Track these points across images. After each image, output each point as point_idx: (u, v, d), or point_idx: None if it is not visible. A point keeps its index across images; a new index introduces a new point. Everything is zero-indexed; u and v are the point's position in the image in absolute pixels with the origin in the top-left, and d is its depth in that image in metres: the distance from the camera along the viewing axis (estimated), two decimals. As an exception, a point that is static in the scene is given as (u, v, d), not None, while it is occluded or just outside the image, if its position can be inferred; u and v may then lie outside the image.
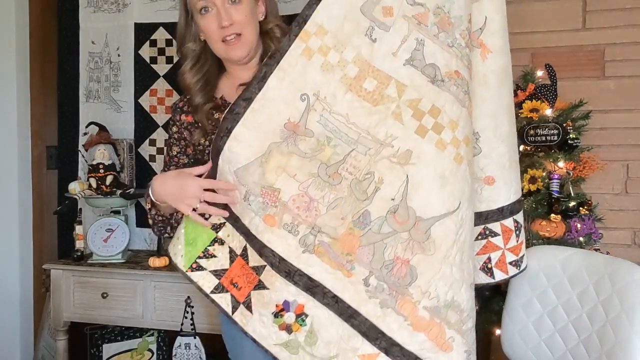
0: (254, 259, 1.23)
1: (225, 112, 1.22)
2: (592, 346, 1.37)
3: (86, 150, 2.38)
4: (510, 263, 1.40)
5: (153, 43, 2.56)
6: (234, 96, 1.34)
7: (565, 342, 1.46)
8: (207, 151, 1.37)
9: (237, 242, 1.24)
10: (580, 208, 1.85)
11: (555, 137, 1.85)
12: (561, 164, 1.86)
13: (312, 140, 1.19)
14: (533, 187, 1.85)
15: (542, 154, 1.89)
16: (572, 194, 1.87)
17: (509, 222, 1.38)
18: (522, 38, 2.14)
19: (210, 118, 1.36)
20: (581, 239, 1.83)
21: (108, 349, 2.40)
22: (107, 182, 2.28)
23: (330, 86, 1.19)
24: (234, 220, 1.25)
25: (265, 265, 1.21)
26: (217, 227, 1.25)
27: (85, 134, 2.50)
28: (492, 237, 1.37)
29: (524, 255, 1.45)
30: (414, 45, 1.19)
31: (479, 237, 1.37)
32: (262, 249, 1.21)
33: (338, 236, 1.18)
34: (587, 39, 2.08)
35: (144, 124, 2.58)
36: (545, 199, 1.84)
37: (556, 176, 1.83)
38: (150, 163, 2.58)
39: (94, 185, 2.28)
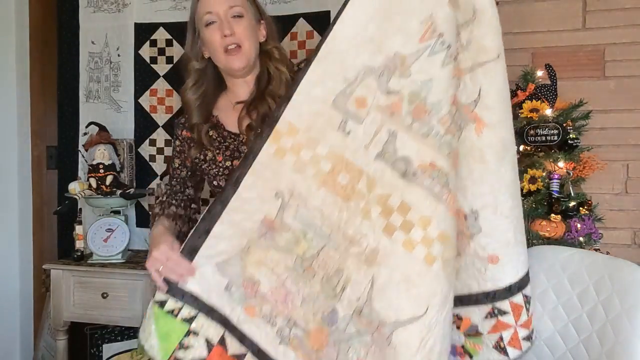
0: (234, 347, 1.22)
1: (203, 213, 1.24)
2: (592, 346, 1.37)
3: (86, 150, 2.38)
4: (524, 338, 1.34)
5: (153, 43, 2.57)
6: (229, 114, 1.44)
7: (565, 342, 1.46)
8: (200, 164, 1.47)
9: (213, 331, 1.22)
10: (580, 208, 1.84)
11: (555, 137, 1.85)
12: (561, 164, 1.86)
13: (288, 235, 1.18)
14: (533, 187, 1.85)
15: (542, 154, 1.89)
16: (572, 194, 1.87)
17: (518, 299, 1.32)
18: (522, 38, 2.14)
19: (205, 136, 1.45)
20: (581, 239, 1.83)
21: (108, 349, 2.40)
22: (107, 182, 2.28)
23: (305, 182, 1.17)
24: (208, 311, 1.23)
25: (246, 353, 1.21)
26: (189, 320, 1.23)
27: (85, 134, 2.49)
28: (502, 315, 1.31)
29: (534, 327, 1.38)
30: (386, 137, 1.15)
31: (488, 317, 1.32)
32: (242, 339, 1.22)
33: (310, 331, 1.17)
34: (587, 39, 2.08)
35: (144, 124, 2.58)
36: (545, 199, 1.84)
37: (556, 176, 1.83)
38: (150, 163, 2.58)
39: (94, 185, 2.28)
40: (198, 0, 1.40)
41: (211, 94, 1.48)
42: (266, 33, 1.46)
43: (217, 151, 1.44)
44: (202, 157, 1.46)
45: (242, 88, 1.45)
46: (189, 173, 1.52)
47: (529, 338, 1.36)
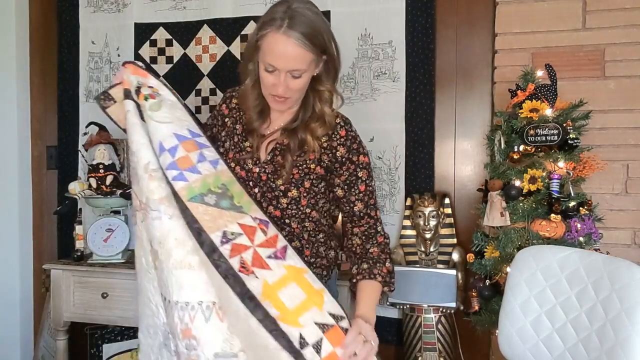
0: None
1: None
2: (592, 345, 1.37)
3: (86, 150, 2.38)
4: (268, 257, 1.29)
5: (153, 43, 2.57)
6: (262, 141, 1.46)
7: (563, 342, 1.46)
8: (218, 146, 1.50)
9: None
10: (580, 208, 1.84)
11: (555, 137, 1.85)
12: (561, 164, 1.86)
13: None
14: (533, 187, 1.85)
15: (542, 154, 1.89)
16: (572, 194, 1.86)
17: (247, 220, 1.33)
18: (522, 38, 2.14)
19: (240, 138, 1.48)
20: (581, 239, 1.82)
21: (108, 349, 2.40)
22: (107, 182, 2.28)
23: None
24: None
25: None
26: None
27: (85, 134, 2.50)
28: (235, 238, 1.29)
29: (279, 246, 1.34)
30: None
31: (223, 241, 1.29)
32: None
33: None
34: (587, 39, 2.08)
35: (144, 124, 2.58)
36: (545, 199, 1.83)
37: (556, 176, 1.83)
38: (150, 163, 2.57)
39: (94, 185, 2.28)
40: (269, 38, 1.30)
41: (267, 105, 1.46)
42: (321, 70, 1.40)
43: (235, 148, 1.48)
44: (222, 144, 1.51)
45: (281, 115, 1.46)
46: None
47: (275, 257, 1.31)
